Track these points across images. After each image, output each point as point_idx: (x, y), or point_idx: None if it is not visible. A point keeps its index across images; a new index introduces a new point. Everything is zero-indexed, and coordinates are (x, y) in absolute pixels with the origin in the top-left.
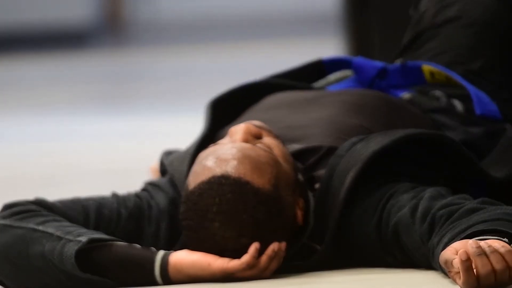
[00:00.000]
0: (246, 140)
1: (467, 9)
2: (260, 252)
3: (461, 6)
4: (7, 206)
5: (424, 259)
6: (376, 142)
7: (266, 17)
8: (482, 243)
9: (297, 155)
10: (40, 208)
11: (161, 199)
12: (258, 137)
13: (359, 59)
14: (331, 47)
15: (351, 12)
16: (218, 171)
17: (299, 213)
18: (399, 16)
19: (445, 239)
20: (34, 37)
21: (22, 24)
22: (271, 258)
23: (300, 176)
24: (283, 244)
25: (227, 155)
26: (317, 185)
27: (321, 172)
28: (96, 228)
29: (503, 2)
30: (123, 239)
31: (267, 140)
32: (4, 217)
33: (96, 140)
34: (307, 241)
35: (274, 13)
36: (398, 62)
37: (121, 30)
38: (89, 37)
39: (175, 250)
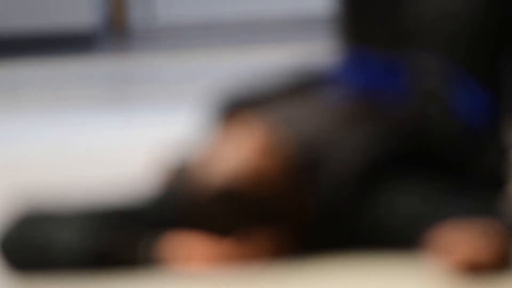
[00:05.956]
0: (252, 144)
1: (453, 18)
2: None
3: (448, 18)
4: (18, 210)
5: (413, 246)
6: (370, 144)
7: (263, 21)
8: (472, 225)
9: (299, 158)
10: (50, 212)
11: (163, 202)
12: (263, 141)
13: (346, 68)
14: (325, 51)
15: (342, 16)
16: (224, 174)
17: (304, 212)
18: (392, 20)
19: (435, 223)
20: (40, 40)
21: (28, 27)
22: (271, 248)
23: (304, 176)
24: (287, 239)
25: (234, 159)
26: (320, 183)
27: (324, 170)
28: (99, 230)
29: (490, 12)
30: (124, 242)
31: (273, 143)
32: (16, 220)
33: (100, 141)
34: (312, 236)
35: (272, 17)
36: (385, 66)
37: (125, 34)
38: (94, 41)
39: (173, 252)
